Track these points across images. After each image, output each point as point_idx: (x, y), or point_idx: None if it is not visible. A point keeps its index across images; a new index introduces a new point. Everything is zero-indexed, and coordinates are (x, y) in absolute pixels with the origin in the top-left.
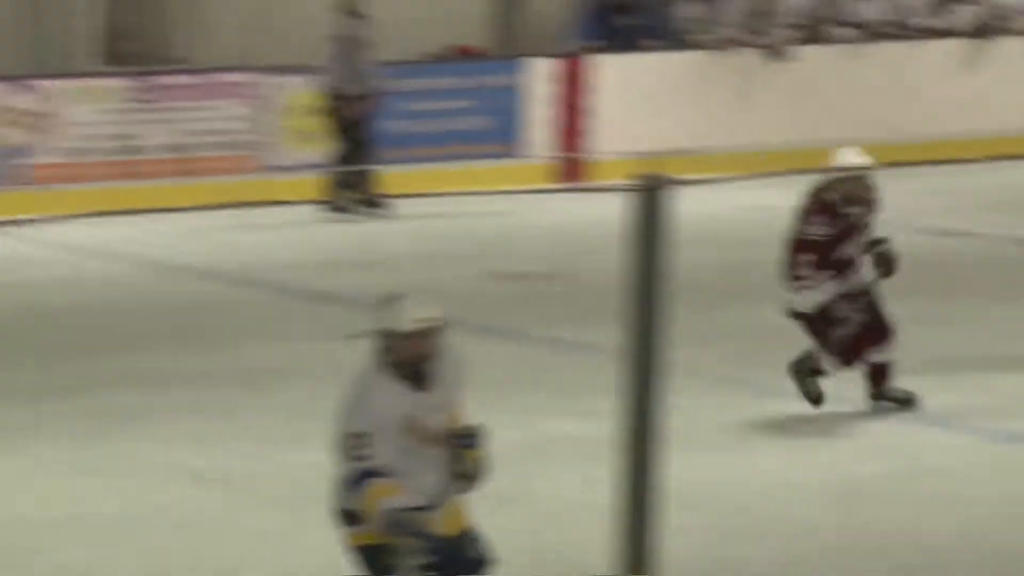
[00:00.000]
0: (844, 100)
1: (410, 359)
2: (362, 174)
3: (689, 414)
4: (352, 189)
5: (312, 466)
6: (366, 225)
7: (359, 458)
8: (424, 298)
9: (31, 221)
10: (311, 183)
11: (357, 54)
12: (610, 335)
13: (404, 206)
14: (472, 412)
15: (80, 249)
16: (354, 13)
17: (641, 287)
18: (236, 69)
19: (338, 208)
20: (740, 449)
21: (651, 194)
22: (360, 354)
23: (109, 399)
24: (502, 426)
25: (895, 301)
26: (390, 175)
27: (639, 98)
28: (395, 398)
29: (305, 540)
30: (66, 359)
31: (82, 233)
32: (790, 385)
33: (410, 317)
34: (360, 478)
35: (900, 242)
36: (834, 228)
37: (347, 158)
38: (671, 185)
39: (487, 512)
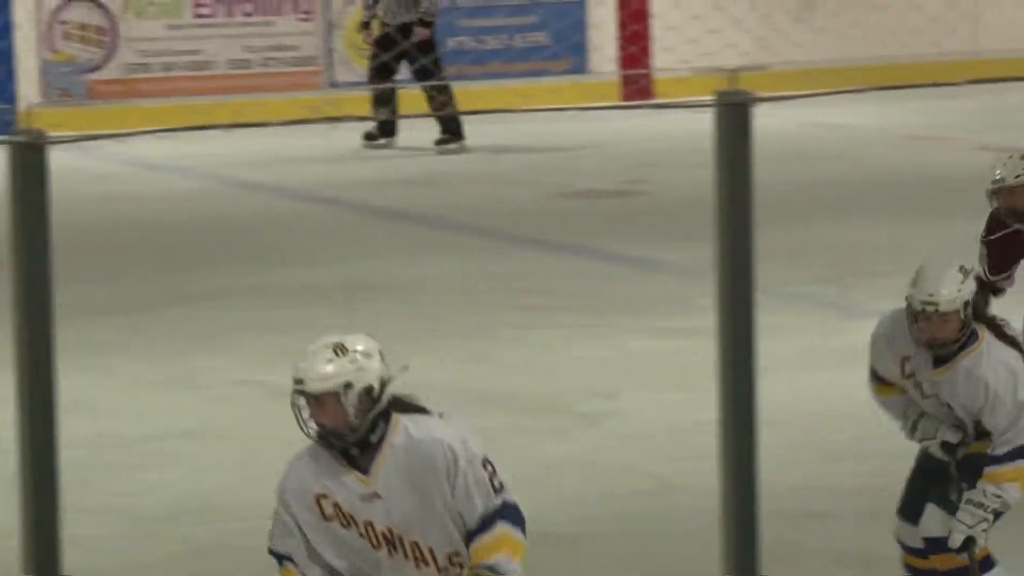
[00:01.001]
0: (910, 13)
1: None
2: (439, 97)
3: (777, 332)
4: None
5: (408, 385)
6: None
7: (270, 536)
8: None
9: (104, 137)
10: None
11: None
12: (683, 252)
13: (471, 123)
14: (550, 331)
15: (156, 165)
16: None
17: (728, 205)
18: None
19: (383, 129)
20: (823, 368)
21: (736, 110)
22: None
23: (189, 315)
24: (582, 343)
25: None
26: (457, 93)
27: (700, 14)
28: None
29: None
30: (146, 275)
31: (156, 149)
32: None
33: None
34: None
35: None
36: None
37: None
38: (755, 101)
39: (574, 430)
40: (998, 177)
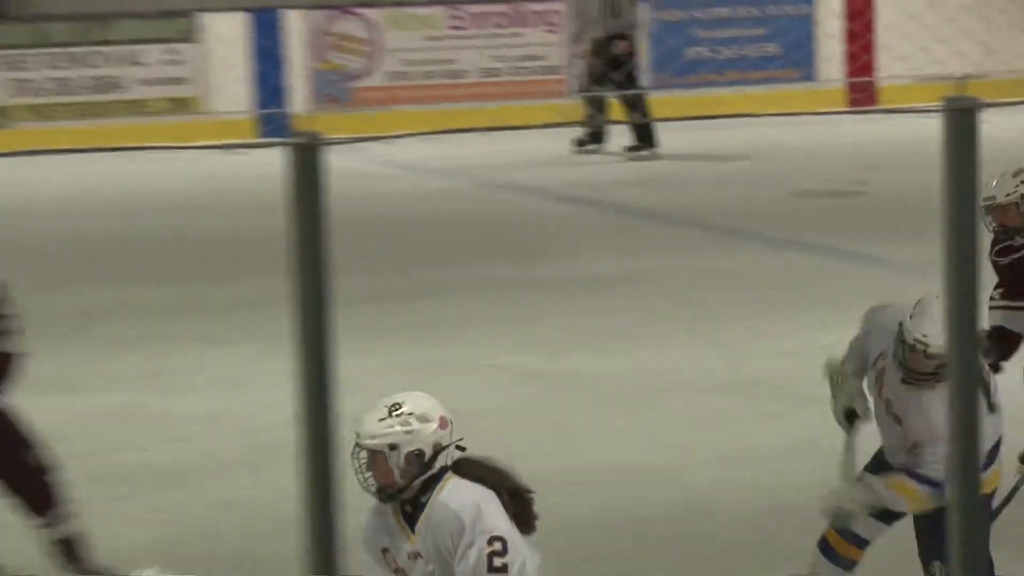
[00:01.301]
0: None
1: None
2: (634, 105)
3: None
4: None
5: (642, 371)
6: (670, 146)
7: None
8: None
9: (371, 139)
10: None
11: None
12: (901, 249)
13: (705, 127)
14: (789, 324)
15: (414, 166)
16: None
17: (954, 206)
18: None
19: (593, 136)
20: None
21: (964, 115)
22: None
23: (442, 304)
24: (811, 333)
25: None
26: (693, 98)
27: (920, 27)
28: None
29: (639, 439)
30: (406, 268)
31: (415, 151)
32: None
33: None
34: None
35: None
36: None
37: (610, 87)
38: (983, 106)
39: (805, 413)
40: (989, 195)
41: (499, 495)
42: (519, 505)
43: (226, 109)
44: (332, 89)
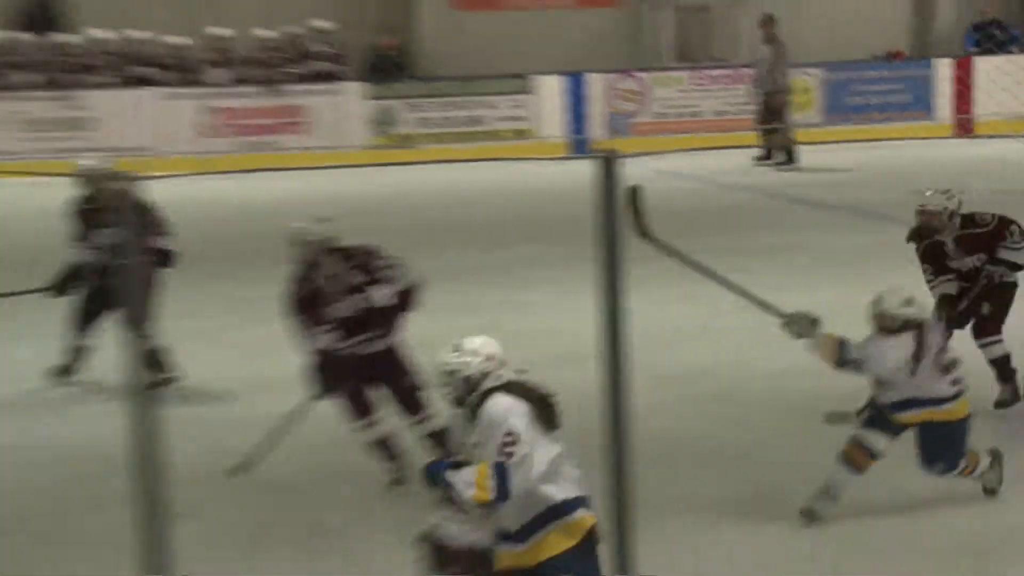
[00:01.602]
0: None
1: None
2: (785, 135)
3: None
4: (779, 147)
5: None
6: (835, 161)
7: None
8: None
9: (645, 155)
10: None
11: (776, 66)
12: None
13: (857, 150)
14: (912, 277)
15: (672, 172)
16: (774, 41)
17: None
18: (749, 65)
19: (767, 156)
20: None
21: None
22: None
23: (713, 262)
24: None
25: None
26: (846, 131)
27: (1010, 83)
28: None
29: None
30: (670, 237)
31: (670, 162)
32: None
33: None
34: None
35: None
36: None
37: (773, 125)
38: None
39: None
40: (923, 203)
41: (530, 404)
42: (544, 409)
43: (550, 135)
44: (617, 124)
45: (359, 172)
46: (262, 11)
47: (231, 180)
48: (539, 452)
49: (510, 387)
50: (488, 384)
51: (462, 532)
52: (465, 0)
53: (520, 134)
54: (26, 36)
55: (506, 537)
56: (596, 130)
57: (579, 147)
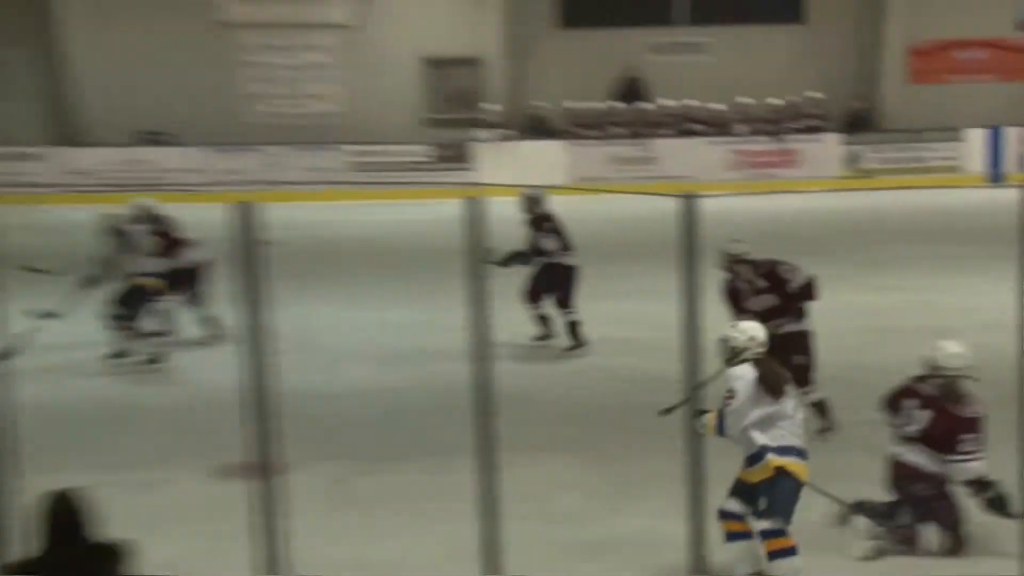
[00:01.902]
0: None
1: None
2: None
3: None
4: None
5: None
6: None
7: None
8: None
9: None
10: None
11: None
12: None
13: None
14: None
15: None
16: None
17: None
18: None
19: None
20: None
21: None
22: None
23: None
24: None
25: None
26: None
27: None
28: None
29: None
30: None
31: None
32: None
33: None
34: None
35: None
36: None
37: None
38: None
39: None
40: (733, 248)
41: (759, 374)
42: (771, 381)
43: (973, 171)
44: None
45: (833, 195)
46: (772, 84)
47: (747, 200)
48: (754, 409)
49: (757, 361)
50: (744, 356)
51: (918, 458)
52: (919, 76)
53: (951, 170)
54: (619, 104)
55: (748, 460)
56: (1010, 167)
57: (995, 178)
